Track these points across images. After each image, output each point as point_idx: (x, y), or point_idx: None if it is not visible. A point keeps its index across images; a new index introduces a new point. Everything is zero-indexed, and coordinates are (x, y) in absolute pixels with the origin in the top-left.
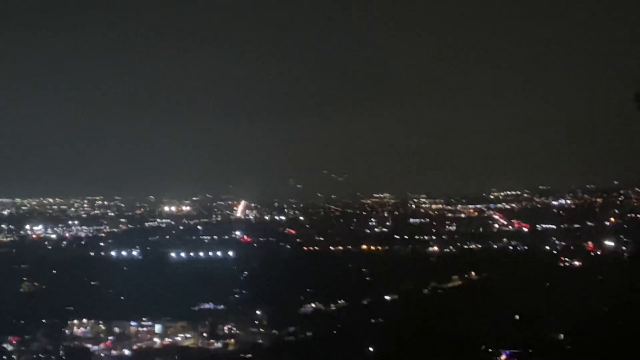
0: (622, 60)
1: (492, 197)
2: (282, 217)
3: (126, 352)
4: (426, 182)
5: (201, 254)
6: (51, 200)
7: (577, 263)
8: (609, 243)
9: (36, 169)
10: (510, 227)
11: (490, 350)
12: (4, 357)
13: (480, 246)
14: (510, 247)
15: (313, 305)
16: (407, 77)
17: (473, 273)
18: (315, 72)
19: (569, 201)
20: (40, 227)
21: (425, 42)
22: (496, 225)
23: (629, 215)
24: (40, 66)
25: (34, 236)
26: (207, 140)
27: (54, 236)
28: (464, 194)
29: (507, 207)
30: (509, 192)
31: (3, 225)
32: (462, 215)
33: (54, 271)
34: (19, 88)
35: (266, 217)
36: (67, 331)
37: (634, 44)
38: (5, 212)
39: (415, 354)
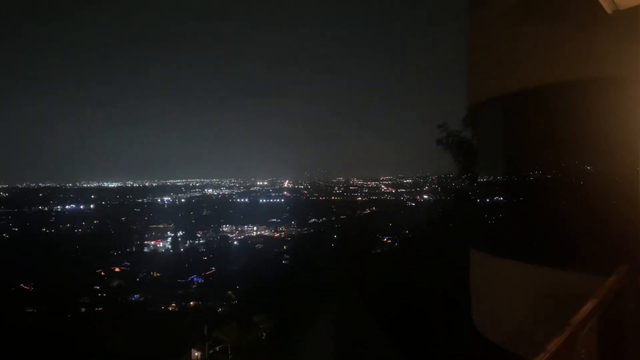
0: None
1: (380, 178)
2: (302, 187)
3: (242, 237)
4: (353, 170)
5: (271, 200)
6: (215, 179)
7: (413, 204)
8: (425, 197)
9: (210, 164)
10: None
11: (379, 236)
12: (197, 239)
13: (375, 198)
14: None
15: (313, 220)
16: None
17: (374, 208)
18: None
19: (410, 180)
20: (211, 190)
21: None
22: (382, 189)
23: (432, 186)
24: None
25: (208, 194)
26: (277, 154)
27: (216, 193)
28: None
29: (386, 182)
30: (387, 177)
31: (197, 189)
32: (369, 185)
33: (216, 206)
34: None
35: (295, 186)
36: (220, 229)
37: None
38: (197, 184)
39: (351, 236)
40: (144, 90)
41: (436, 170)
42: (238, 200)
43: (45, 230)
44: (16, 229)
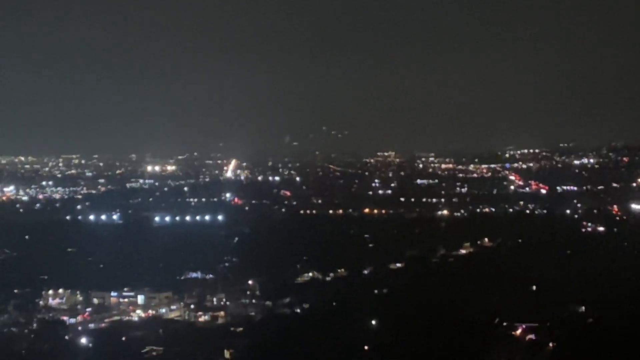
0: None
1: (507, 155)
2: (277, 178)
3: (104, 324)
4: (435, 140)
5: (187, 218)
6: (23, 158)
7: (600, 228)
8: (636, 206)
9: (7, 124)
10: (528, 188)
11: (504, 324)
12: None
13: (494, 210)
14: (527, 211)
15: (310, 274)
16: (414, 26)
17: (486, 239)
18: (316, 16)
19: (592, 160)
20: (11, 188)
21: None
22: (512, 187)
23: None
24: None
25: (4, 198)
26: (194, 93)
27: (26, 198)
28: (477, 153)
29: (524, 166)
30: (525, 151)
31: None
32: (475, 176)
33: (27, 237)
34: None
35: (259, 178)
36: (41, 302)
37: None
38: None
39: (422, 328)
40: None
41: None
42: (91, 217)
43: None
44: None
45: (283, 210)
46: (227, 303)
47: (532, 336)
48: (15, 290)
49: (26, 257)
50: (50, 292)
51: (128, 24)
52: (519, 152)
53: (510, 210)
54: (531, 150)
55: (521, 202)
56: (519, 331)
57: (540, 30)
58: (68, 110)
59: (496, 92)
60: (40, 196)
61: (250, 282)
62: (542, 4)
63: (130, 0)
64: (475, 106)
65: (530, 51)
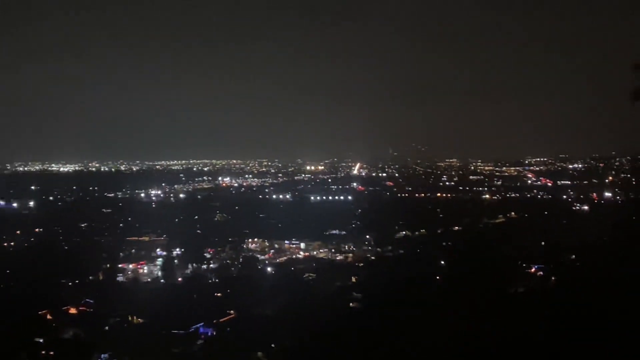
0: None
1: (526, 161)
2: (384, 174)
3: (281, 259)
4: (481, 151)
5: (330, 197)
6: (234, 161)
7: (585, 207)
8: (607, 194)
9: (226, 140)
10: (539, 182)
11: (524, 265)
12: (205, 261)
13: (518, 195)
14: (539, 196)
15: (403, 232)
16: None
17: (513, 213)
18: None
19: (580, 165)
20: (227, 178)
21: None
22: (529, 181)
23: (621, 175)
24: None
25: (223, 185)
26: (335, 121)
27: (236, 185)
28: (507, 159)
29: (537, 168)
30: (538, 158)
31: (205, 177)
32: (506, 174)
33: (236, 207)
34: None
35: (373, 174)
36: (244, 246)
37: None
38: (206, 169)
39: (472, 266)
40: (115, 33)
41: (629, 147)
42: (274, 196)
43: None
44: None
45: (387, 194)
46: (354, 249)
47: (541, 272)
48: (230, 239)
49: (236, 219)
50: (250, 240)
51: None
52: (534, 159)
53: (528, 195)
54: (541, 159)
55: (534, 191)
56: (532, 269)
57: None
58: (264, 131)
59: (519, 120)
60: (245, 183)
61: (367, 236)
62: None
63: None
64: (506, 131)
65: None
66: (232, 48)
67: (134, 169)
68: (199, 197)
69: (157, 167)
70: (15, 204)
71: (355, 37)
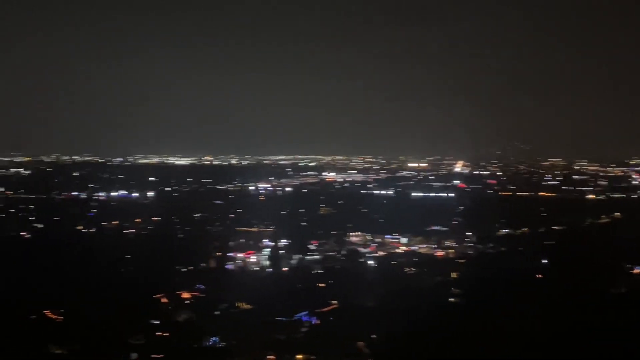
0: None
1: (632, 162)
2: (486, 172)
3: (382, 253)
4: (587, 150)
5: (431, 194)
6: (338, 157)
7: None
8: None
9: (331, 135)
10: None
11: (628, 266)
12: (309, 252)
13: (623, 196)
14: None
15: (505, 230)
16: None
17: (617, 214)
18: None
19: None
20: (332, 174)
21: None
22: (633, 182)
23: None
24: None
25: (328, 179)
26: (438, 119)
27: (340, 179)
28: (612, 159)
29: None
30: None
31: (310, 172)
32: (611, 174)
33: (340, 201)
34: None
35: (475, 172)
36: (347, 239)
37: None
38: (311, 164)
39: (574, 265)
40: (221, 25)
41: None
42: (376, 192)
43: (82, 228)
44: (41, 226)
45: (489, 191)
46: (455, 245)
47: None
48: (333, 231)
49: (339, 213)
50: (352, 233)
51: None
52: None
53: (633, 196)
54: None
55: (639, 191)
56: (636, 270)
57: None
58: (368, 130)
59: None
60: (348, 179)
61: (468, 233)
62: None
63: None
64: (612, 131)
65: None
66: (339, 47)
67: (244, 163)
68: (304, 191)
69: (266, 161)
70: (135, 194)
71: (458, 35)
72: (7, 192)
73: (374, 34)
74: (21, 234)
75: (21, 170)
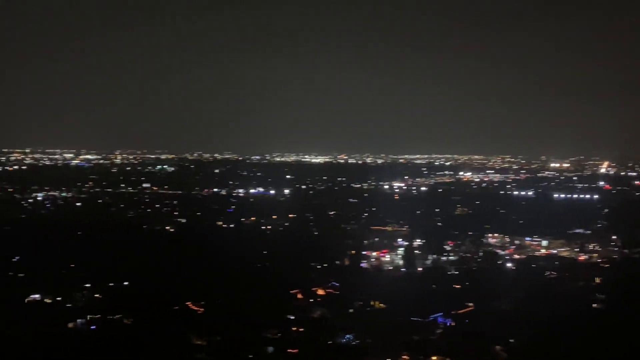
0: None
1: None
2: (634, 173)
3: (521, 256)
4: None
5: (574, 195)
6: (475, 156)
7: None
8: None
9: (468, 135)
10: None
11: None
12: (445, 253)
13: None
14: None
15: None
16: None
17: None
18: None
19: None
20: (469, 173)
21: None
22: None
23: None
24: None
25: (464, 179)
26: (582, 118)
27: (477, 179)
28: None
29: None
30: None
31: (446, 172)
32: None
33: (477, 202)
34: None
35: (621, 173)
36: (484, 240)
37: None
38: (447, 163)
39: None
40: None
41: None
42: (515, 193)
43: (221, 224)
44: (183, 221)
45: (637, 194)
46: (599, 249)
47: None
48: (469, 232)
49: (476, 214)
50: (490, 235)
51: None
52: None
53: None
54: None
55: None
56: None
57: None
58: (511, 127)
59: None
60: (486, 179)
61: (614, 237)
62: None
63: None
64: None
65: None
66: (483, 45)
67: (379, 162)
68: (439, 190)
69: (401, 160)
70: (272, 191)
71: (621, 28)
72: (153, 188)
73: (530, 29)
74: (166, 227)
75: (166, 167)
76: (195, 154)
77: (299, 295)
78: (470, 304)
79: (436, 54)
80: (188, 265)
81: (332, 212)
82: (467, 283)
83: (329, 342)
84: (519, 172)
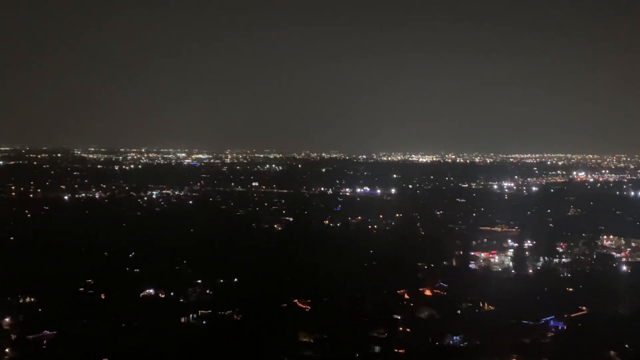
0: None
1: None
2: None
3: (638, 260)
4: None
5: None
6: (590, 156)
7: None
8: None
9: (582, 133)
10: None
11: None
12: (556, 255)
13: None
14: None
15: None
16: None
17: None
18: None
19: None
20: (582, 173)
21: None
22: None
23: None
24: None
25: (578, 179)
26: None
27: (591, 180)
28: None
29: None
30: None
31: (558, 171)
32: None
33: (591, 202)
34: None
35: None
36: (598, 242)
37: None
38: (560, 163)
39: None
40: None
41: None
42: (632, 193)
43: (328, 223)
44: (290, 219)
45: None
46: None
47: None
48: (583, 234)
49: (590, 214)
50: (604, 236)
51: None
52: None
53: None
54: None
55: None
56: None
57: None
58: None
59: None
60: (600, 179)
61: None
62: None
63: None
64: None
65: None
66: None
67: (488, 161)
68: (551, 190)
69: (511, 159)
70: (378, 191)
71: None
72: (262, 187)
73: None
74: (274, 226)
75: (274, 166)
76: (302, 153)
77: (406, 295)
78: (584, 308)
79: (547, 55)
80: (295, 263)
81: (439, 212)
82: (580, 286)
83: (437, 343)
84: (637, 172)
